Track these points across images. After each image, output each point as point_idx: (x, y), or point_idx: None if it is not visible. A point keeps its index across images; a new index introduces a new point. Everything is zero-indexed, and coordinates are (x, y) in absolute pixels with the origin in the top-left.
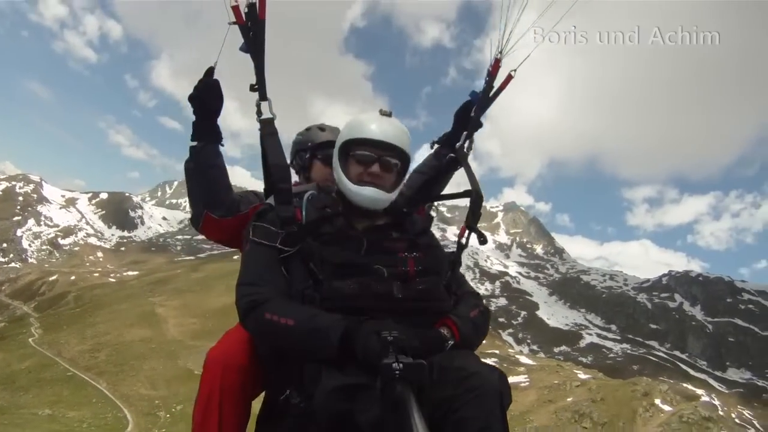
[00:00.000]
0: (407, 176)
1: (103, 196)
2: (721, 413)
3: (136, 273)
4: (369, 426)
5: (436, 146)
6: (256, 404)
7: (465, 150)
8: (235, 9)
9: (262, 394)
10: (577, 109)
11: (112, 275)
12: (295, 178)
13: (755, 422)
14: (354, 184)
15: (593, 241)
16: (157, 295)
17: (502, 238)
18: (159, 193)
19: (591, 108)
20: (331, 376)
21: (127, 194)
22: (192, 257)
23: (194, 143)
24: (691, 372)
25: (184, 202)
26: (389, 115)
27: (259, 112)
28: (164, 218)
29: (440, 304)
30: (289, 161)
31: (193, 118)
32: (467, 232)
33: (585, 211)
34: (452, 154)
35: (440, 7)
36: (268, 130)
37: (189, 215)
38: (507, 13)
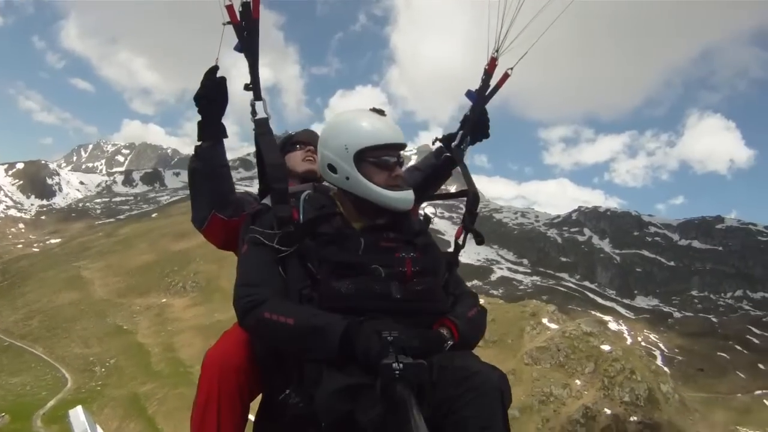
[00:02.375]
0: (408, 171)
1: (20, 166)
2: (613, 330)
3: (58, 240)
4: (370, 426)
5: (438, 144)
6: (255, 405)
7: (462, 150)
8: (230, 8)
9: (260, 395)
10: (484, 55)
11: (35, 245)
12: None
13: (660, 345)
14: (386, 189)
15: (512, 180)
16: (81, 259)
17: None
18: (75, 158)
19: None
20: (331, 376)
21: (43, 162)
22: (112, 219)
23: (200, 143)
24: (600, 300)
25: (101, 165)
26: (383, 113)
27: (253, 112)
28: (82, 183)
29: (438, 304)
30: None
31: (198, 117)
32: (464, 232)
33: (502, 152)
34: (448, 154)
35: None
36: (262, 129)
37: (106, 178)
38: (503, 12)
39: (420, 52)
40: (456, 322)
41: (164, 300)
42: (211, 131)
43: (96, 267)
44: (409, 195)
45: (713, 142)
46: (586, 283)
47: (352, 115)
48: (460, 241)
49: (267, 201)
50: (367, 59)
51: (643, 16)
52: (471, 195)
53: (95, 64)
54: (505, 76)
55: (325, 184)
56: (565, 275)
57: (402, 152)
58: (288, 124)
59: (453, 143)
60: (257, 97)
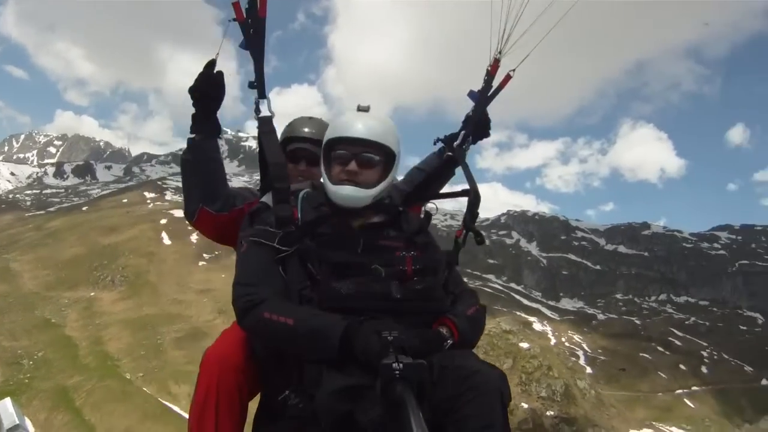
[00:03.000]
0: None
1: None
2: (537, 330)
3: None
4: (370, 426)
5: (439, 144)
6: (253, 405)
7: (464, 149)
8: (236, 6)
9: (258, 395)
10: (420, 58)
11: None
12: None
13: (584, 345)
14: (333, 183)
15: None
16: (10, 251)
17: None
18: (6, 148)
19: (434, 58)
20: (331, 377)
21: None
22: (42, 211)
23: (192, 135)
24: (525, 302)
25: (32, 155)
26: (367, 110)
27: (257, 110)
28: (12, 174)
29: (438, 303)
30: None
31: (192, 110)
32: (465, 231)
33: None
34: (450, 153)
35: None
36: (266, 128)
37: (38, 169)
38: (506, 13)
39: (357, 53)
40: (456, 320)
41: (93, 293)
42: (204, 125)
43: (25, 259)
44: (347, 191)
45: (645, 152)
46: (513, 285)
47: (341, 112)
48: (461, 241)
49: (266, 199)
50: (305, 58)
51: (578, 26)
52: (472, 195)
53: (31, 52)
54: (507, 77)
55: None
56: (491, 276)
57: (368, 150)
58: (224, 120)
59: (455, 143)
60: (261, 95)
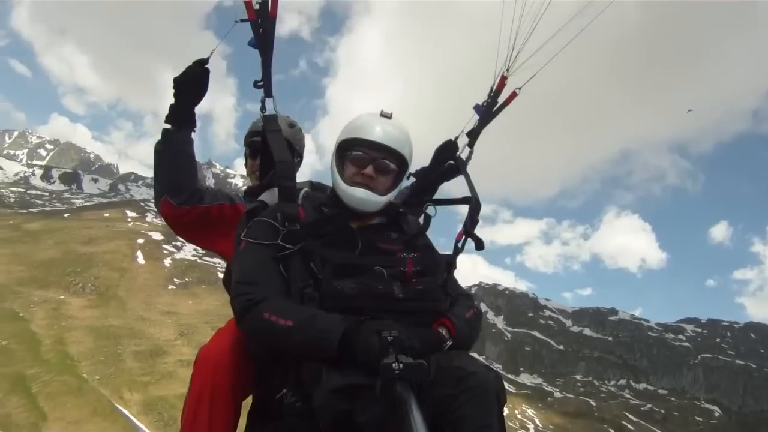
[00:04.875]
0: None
1: None
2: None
3: None
4: (369, 426)
5: (412, 179)
6: (246, 404)
7: (465, 159)
8: (248, 4)
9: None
10: (417, 110)
11: None
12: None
13: (536, 420)
14: (347, 184)
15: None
16: None
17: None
18: None
19: (423, 125)
20: (331, 376)
21: None
22: (24, 211)
23: (168, 126)
24: None
25: (22, 154)
26: (390, 116)
27: (263, 108)
28: (0, 168)
29: (438, 304)
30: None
31: (172, 100)
32: (464, 237)
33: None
34: (452, 162)
35: (305, 1)
36: (271, 126)
37: (26, 169)
38: (516, 32)
39: (352, 106)
40: (455, 322)
41: (62, 297)
42: (180, 117)
43: (1, 253)
44: (360, 193)
45: (628, 240)
46: (474, 355)
47: (361, 114)
48: (460, 245)
49: (264, 197)
50: (302, 105)
51: (564, 109)
52: (473, 202)
53: (38, 51)
54: (513, 95)
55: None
56: None
57: (387, 157)
58: (214, 154)
59: (458, 153)
60: (268, 93)
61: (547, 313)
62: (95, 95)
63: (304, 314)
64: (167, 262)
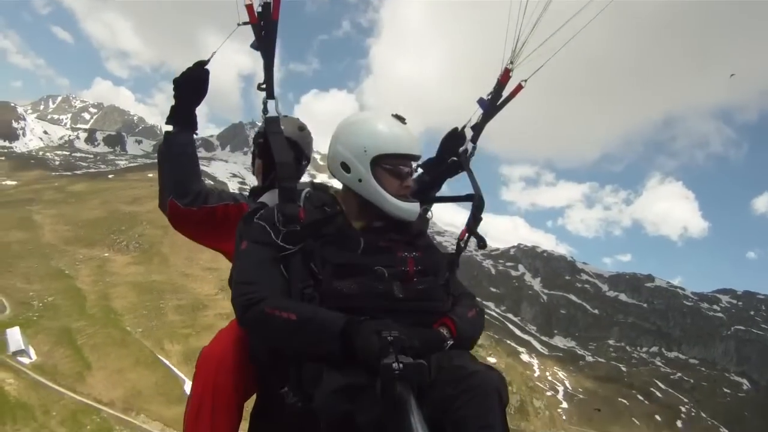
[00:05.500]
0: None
1: None
2: (524, 360)
3: (14, 183)
4: (369, 426)
5: (419, 170)
6: (248, 404)
7: (468, 155)
8: (249, 8)
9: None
10: (458, 80)
11: None
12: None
13: (566, 382)
14: (396, 198)
15: (466, 209)
16: (34, 204)
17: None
18: (41, 107)
19: (471, 82)
20: (331, 376)
21: (12, 104)
22: (69, 173)
23: (169, 128)
24: (518, 332)
25: (66, 118)
26: (404, 121)
27: (265, 110)
28: (45, 132)
29: (439, 304)
30: (254, 148)
31: (173, 101)
32: (467, 235)
33: (462, 179)
34: (455, 158)
35: None
36: (273, 128)
37: (70, 132)
38: (521, 25)
39: (395, 68)
40: (456, 321)
41: (107, 254)
42: (181, 118)
43: (48, 213)
44: (415, 207)
45: (670, 208)
46: (510, 315)
47: (375, 118)
48: (462, 243)
49: (265, 199)
50: (345, 65)
51: (608, 72)
52: (477, 199)
53: (80, 17)
54: (518, 87)
55: (325, 180)
56: (491, 304)
57: (414, 163)
58: (257, 114)
59: (461, 148)
60: (270, 95)
61: (584, 277)
62: (138, 59)
63: (306, 309)
64: None
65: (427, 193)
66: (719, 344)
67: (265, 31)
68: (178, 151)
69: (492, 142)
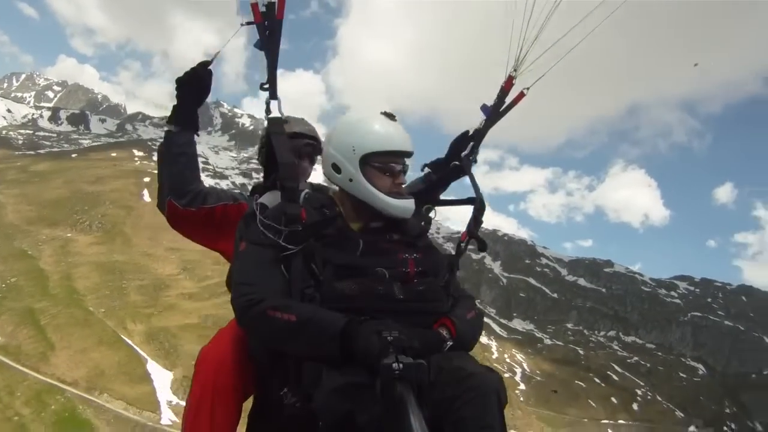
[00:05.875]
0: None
1: None
2: (483, 342)
3: None
4: (370, 426)
5: (426, 170)
6: (247, 404)
7: (471, 160)
8: (254, 7)
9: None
10: (423, 65)
11: None
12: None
13: (524, 364)
14: (388, 196)
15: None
16: None
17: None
18: (5, 85)
19: (436, 67)
20: (331, 376)
21: None
22: (32, 152)
23: (170, 127)
24: None
25: (30, 96)
26: (394, 118)
27: (268, 110)
28: (9, 111)
29: (439, 305)
30: (259, 155)
31: (175, 101)
32: (468, 237)
33: (421, 162)
34: (456, 162)
35: None
36: (276, 129)
37: (34, 111)
38: (524, 33)
39: (362, 50)
40: (456, 322)
41: (69, 234)
42: (182, 118)
43: (10, 193)
44: (409, 204)
45: (632, 195)
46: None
47: (363, 117)
48: (463, 245)
49: (264, 199)
50: (312, 45)
51: (575, 59)
52: (478, 203)
53: None
54: (521, 95)
55: (323, 182)
56: None
57: (407, 160)
58: (222, 94)
59: (463, 153)
60: (273, 96)
61: (544, 261)
62: (104, 36)
63: (306, 310)
64: None
65: (432, 192)
66: (676, 330)
67: (269, 31)
68: (177, 151)
69: (459, 127)
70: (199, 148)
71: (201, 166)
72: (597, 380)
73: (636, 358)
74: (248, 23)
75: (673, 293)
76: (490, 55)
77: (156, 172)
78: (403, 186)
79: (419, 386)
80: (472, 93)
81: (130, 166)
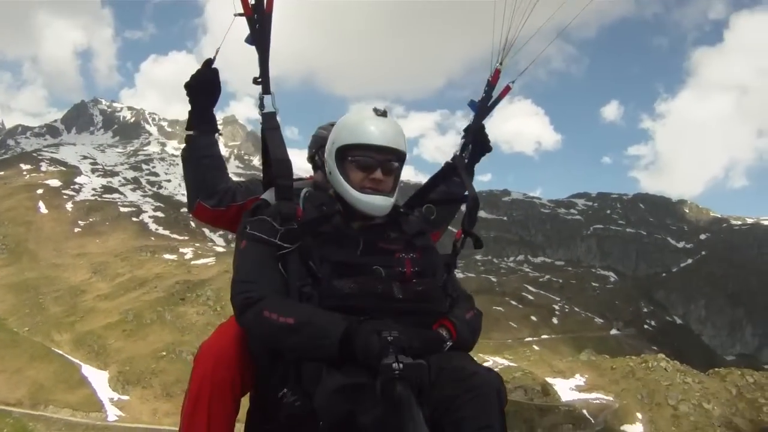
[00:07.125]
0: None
1: None
2: None
3: None
4: (370, 426)
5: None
6: (245, 401)
7: (463, 158)
8: (244, 0)
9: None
10: (292, 27)
11: None
12: (299, 172)
13: None
14: (357, 190)
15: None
16: None
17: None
18: None
19: (305, 28)
20: (331, 376)
21: None
22: None
23: (190, 132)
24: None
25: None
26: (385, 114)
27: (261, 106)
28: None
29: (438, 305)
30: (309, 155)
31: (189, 106)
32: (463, 235)
33: (309, 123)
34: (449, 161)
35: None
36: (270, 124)
37: None
38: (508, 25)
39: (233, 25)
40: (455, 323)
41: None
42: (200, 121)
43: None
44: (380, 201)
45: (522, 125)
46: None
47: (352, 112)
48: (458, 244)
49: (266, 196)
50: (181, 26)
51: (442, 3)
52: (471, 200)
53: None
54: (507, 89)
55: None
56: None
57: (392, 158)
58: (98, 90)
59: (455, 151)
60: (266, 90)
61: None
62: None
63: (304, 312)
64: (69, 206)
65: (427, 193)
66: (581, 244)
67: (259, 24)
68: (200, 155)
69: (339, 85)
70: (85, 150)
71: (92, 167)
72: (514, 303)
73: (548, 276)
74: (239, 15)
75: (572, 210)
76: (353, 4)
77: (46, 182)
78: (378, 181)
79: (419, 386)
80: (350, 45)
81: (21, 182)
